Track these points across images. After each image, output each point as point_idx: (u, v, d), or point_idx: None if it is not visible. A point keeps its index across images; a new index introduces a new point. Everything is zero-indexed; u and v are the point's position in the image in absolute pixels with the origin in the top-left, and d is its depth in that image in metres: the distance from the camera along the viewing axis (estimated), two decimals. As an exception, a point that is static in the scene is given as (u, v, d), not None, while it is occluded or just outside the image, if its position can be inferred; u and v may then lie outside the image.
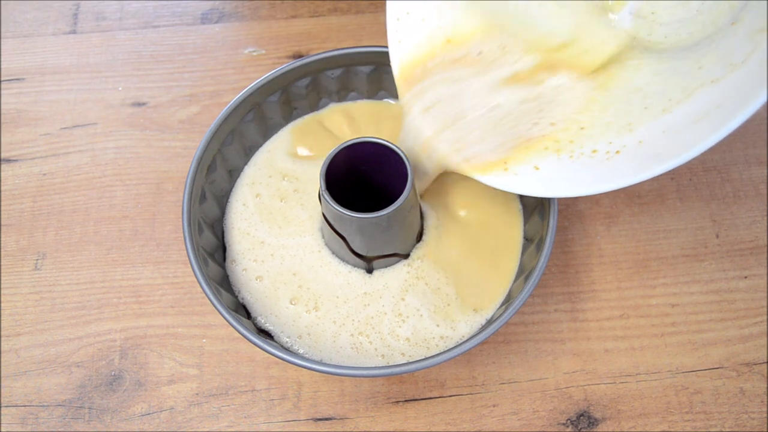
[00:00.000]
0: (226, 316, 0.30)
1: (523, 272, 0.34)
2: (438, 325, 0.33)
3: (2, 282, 0.39)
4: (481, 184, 0.37)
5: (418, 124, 0.32)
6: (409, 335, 0.33)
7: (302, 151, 0.39)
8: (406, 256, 0.35)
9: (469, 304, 0.34)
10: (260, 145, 0.39)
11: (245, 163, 0.38)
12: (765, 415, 0.35)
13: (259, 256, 0.35)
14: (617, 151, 0.29)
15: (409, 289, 0.34)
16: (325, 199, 0.31)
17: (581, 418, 0.35)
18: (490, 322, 0.33)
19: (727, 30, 0.28)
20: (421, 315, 0.34)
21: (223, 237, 0.37)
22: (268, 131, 0.39)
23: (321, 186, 0.31)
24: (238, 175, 0.38)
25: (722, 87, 0.27)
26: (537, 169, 0.30)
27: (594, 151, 0.30)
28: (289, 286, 0.35)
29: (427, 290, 0.34)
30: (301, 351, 0.33)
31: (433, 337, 0.33)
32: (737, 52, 0.27)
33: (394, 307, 0.34)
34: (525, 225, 0.36)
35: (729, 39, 0.28)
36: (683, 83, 0.28)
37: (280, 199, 0.37)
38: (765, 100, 0.24)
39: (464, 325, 0.33)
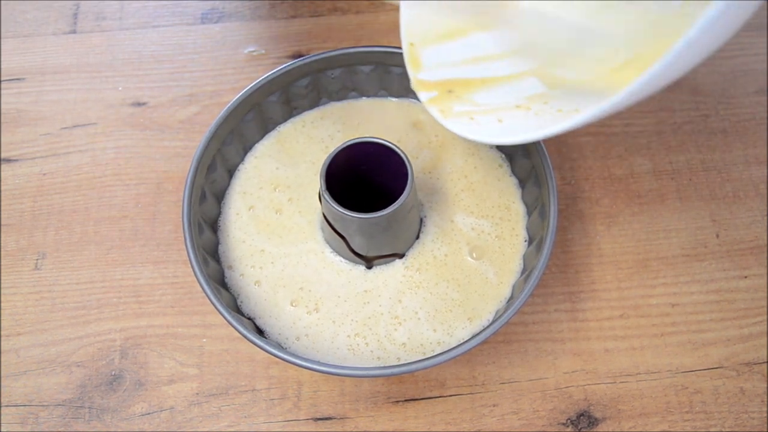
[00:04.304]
0: (226, 316, 0.30)
1: (523, 272, 0.34)
2: (435, 330, 0.33)
3: (2, 282, 0.39)
4: (482, 185, 0.38)
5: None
6: (405, 340, 0.33)
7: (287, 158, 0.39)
8: (402, 255, 0.35)
9: (466, 310, 0.34)
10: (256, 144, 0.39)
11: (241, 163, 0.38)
12: (765, 415, 0.35)
13: (257, 263, 0.35)
14: (577, 109, 0.29)
15: (406, 291, 0.34)
16: (325, 200, 0.31)
17: (581, 417, 0.35)
18: (489, 324, 0.33)
19: None
20: (419, 318, 0.33)
21: (223, 237, 0.37)
22: (267, 131, 0.39)
23: (321, 186, 0.31)
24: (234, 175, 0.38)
25: None
26: (500, 121, 0.31)
27: (559, 110, 0.30)
28: (290, 289, 0.34)
29: (425, 293, 0.34)
30: (299, 352, 0.33)
31: (430, 343, 0.33)
32: None
33: (391, 308, 0.34)
34: (525, 224, 0.36)
35: None
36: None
37: (276, 211, 0.37)
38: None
39: (461, 330, 0.33)
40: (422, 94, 0.33)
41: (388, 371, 0.29)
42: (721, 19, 0.20)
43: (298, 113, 0.40)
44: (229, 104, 0.36)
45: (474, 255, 0.35)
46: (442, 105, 0.32)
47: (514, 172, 0.37)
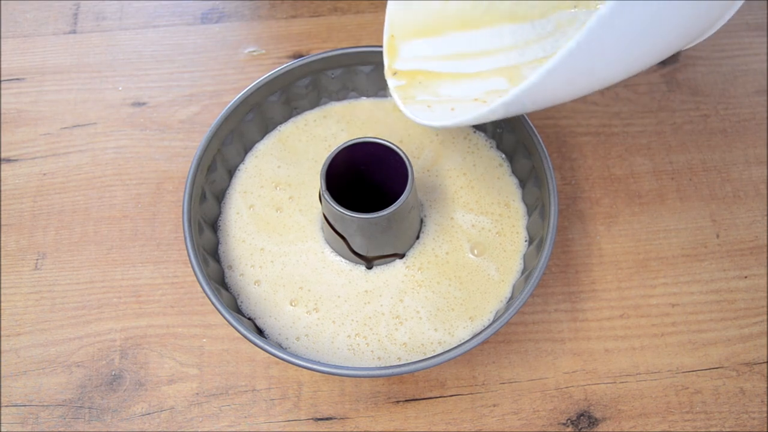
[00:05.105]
0: (226, 315, 0.30)
1: (524, 272, 0.34)
2: (436, 330, 0.33)
3: (2, 282, 0.39)
4: (481, 182, 0.38)
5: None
6: (406, 340, 0.33)
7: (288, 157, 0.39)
8: (402, 255, 0.35)
9: (468, 308, 0.34)
10: (257, 144, 0.39)
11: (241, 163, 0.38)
12: (765, 415, 0.35)
13: (257, 262, 0.35)
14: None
15: (407, 290, 0.34)
16: (326, 200, 0.31)
17: (581, 417, 0.35)
18: (489, 324, 0.33)
19: None
20: (420, 317, 0.34)
21: (223, 237, 0.37)
22: (268, 131, 0.39)
23: (321, 186, 0.31)
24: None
25: None
26: (453, 110, 0.32)
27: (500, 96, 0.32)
28: (289, 288, 0.34)
29: (426, 292, 0.34)
30: (299, 352, 0.33)
31: (431, 342, 0.33)
32: None
33: (392, 308, 0.34)
34: (525, 224, 0.36)
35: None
36: None
37: (276, 209, 0.37)
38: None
39: (463, 330, 0.33)
40: (391, 81, 0.33)
41: (389, 371, 0.29)
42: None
43: (299, 113, 0.40)
44: (230, 104, 0.36)
45: (475, 252, 0.35)
46: (406, 92, 0.33)
47: (514, 172, 0.37)
